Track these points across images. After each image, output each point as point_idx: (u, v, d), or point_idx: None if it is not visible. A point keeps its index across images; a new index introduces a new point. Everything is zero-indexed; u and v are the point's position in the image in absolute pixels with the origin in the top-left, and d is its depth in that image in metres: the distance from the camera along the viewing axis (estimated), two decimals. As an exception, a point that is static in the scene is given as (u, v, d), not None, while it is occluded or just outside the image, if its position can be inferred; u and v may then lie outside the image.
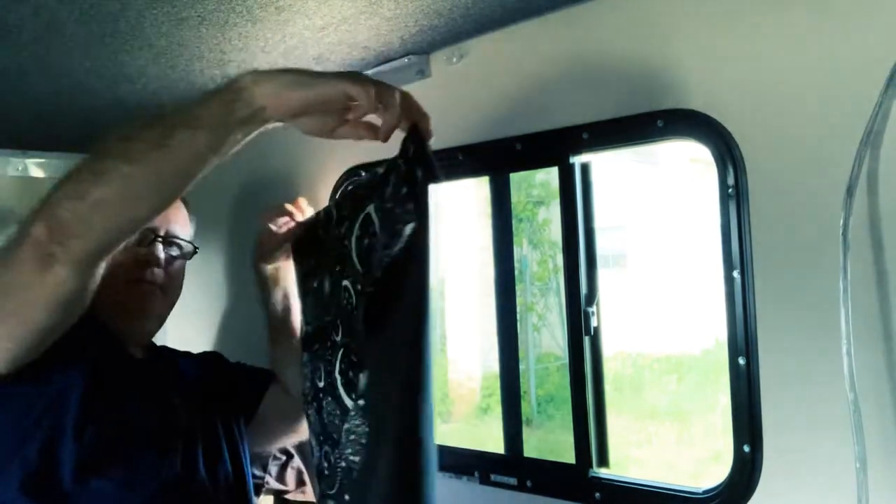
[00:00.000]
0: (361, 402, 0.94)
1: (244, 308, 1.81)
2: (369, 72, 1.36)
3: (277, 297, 1.37)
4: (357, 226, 1.01)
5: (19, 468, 0.91)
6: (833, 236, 0.86)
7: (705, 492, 1.07)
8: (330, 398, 1.07)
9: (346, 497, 0.99)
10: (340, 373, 1.05)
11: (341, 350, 1.06)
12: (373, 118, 0.87)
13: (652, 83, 1.05)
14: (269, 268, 1.34)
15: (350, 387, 1.03)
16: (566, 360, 1.34)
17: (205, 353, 1.38)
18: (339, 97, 0.85)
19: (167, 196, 0.87)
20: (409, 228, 0.85)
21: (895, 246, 0.86)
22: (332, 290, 1.08)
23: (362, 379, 0.95)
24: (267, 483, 1.71)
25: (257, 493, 1.65)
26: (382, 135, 0.87)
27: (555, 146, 1.22)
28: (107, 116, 1.48)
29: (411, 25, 1.18)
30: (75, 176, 0.82)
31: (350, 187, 1.13)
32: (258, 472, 1.71)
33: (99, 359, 1.01)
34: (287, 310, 1.39)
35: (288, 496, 1.74)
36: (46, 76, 1.23)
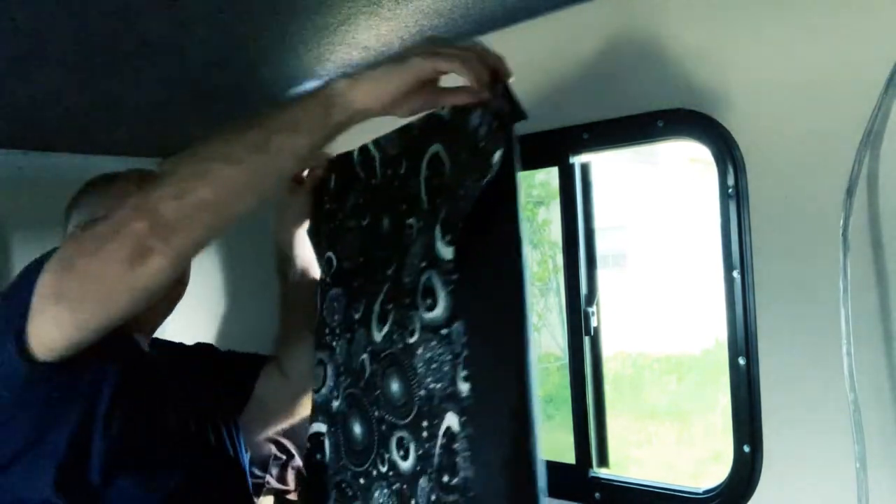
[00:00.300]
0: (444, 331, 0.99)
1: (242, 301, 1.81)
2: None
3: (297, 268, 1.35)
4: (424, 166, 1.06)
5: (52, 463, 0.92)
6: (833, 236, 0.86)
7: (705, 492, 1.07)
8: (363, 329, 1.16)
9: (425, 423, 1.03)
10: (380, 303, 1.13)
11: (388, 283, 1.12)
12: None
13: (652, 83, 1.05)
14: (293, 227, 1.30)
15: (382, 316, 1.11)
16: (566, 361, 1.34)
17: (197, 345, 1.37)
18: (431, 76, 0.89)
19: (264, 194, 0.92)
20: (497, 155, 0.88)
21: (895, 246, 0.86)
22: (394, 228, 1.13)
23: (440, 311, 1.00)
24: (267, 483, 1.71)
25: (257, 494, 1.65)
26: (485, 91, 0.91)
27: (555, 146, 1.22)
28: (104, 116, 1.48)
29: (411, 25, 1.18)
30: (177, 175, 0.86)
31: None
32: (258, 472, 1.71)
33: (126, 352, 1.02)
34: (305, 283, 1.38)
35: (288, 496, 1.74)
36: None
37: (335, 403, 1.22)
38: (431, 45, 0.91)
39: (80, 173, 1.72)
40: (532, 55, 1.19)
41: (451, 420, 0.97)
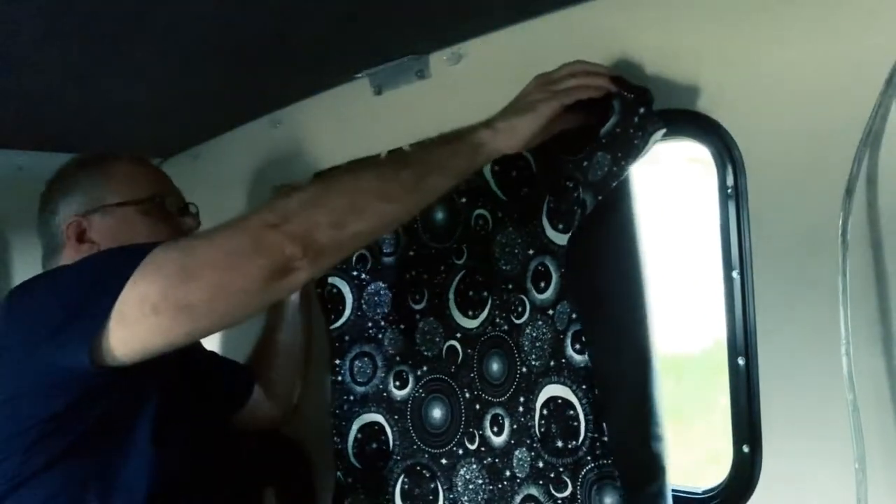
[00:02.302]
0: (551, 311, 1.07)
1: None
2: (369, 72, 1.36)
3: None
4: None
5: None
6: (833, 236, 0.86)
7: (705, 492, 1.07)
8: (432, 318, 1.25)
9: (521, 399, 1.11)
10: (456, 292, 1.22)
11: (462, 272, 1.22)
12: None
13: (652, 83, 1.04)
14: None
15: (469, 304, 1.20)
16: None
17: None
18: (557, 114, 0.99)
19: (403, 223, 1.03)
20: (659, 134, 0.95)
21: (895, 246, 0.86)
22: (452, 221, 1.23)
23: (550, 292, 1.08)
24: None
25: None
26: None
27: (554, 146, 1.21)
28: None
29: (411, 25, 1.18)
30: (330, 206, 0.90)
31: None
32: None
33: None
34: (294, 302, 1.40)
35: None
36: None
37: (397, 392, 1.30)
38: (546, 84, 1.00)
39: (79, 173, 1.71)
40: (532, 55, 1.19)
41: (558, 391, 1.04)
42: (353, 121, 1.44)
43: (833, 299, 0.85)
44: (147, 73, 1.26)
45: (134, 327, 0.84)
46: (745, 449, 1.00)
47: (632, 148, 0.97)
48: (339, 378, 1.37)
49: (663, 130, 0.95)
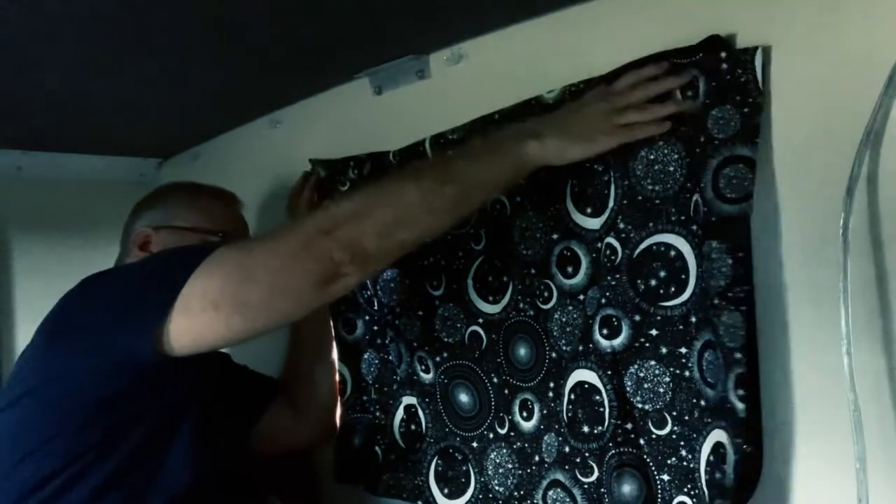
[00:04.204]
0: (581, 296, 1.07)
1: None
2: (369, 72, 1.36)
3: None
4: None
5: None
6: (833, 236, 0.86)
7: (705, 492, 1.07)
8: (452, 304, 1.26)
9: (551, 384, 1.12)
10: (475, 278, 1.23)
11: (481, 257, 1.22)
12: None
13: (652, 83, 1.04)
14: None
15: (489, 289, 1.21)
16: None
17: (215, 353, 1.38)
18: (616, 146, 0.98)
19: (445, 232, 1.02)
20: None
21: (895, 246, 0.86)
22: None
23: (581, 277, 1.07)
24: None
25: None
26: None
27: (555, 146, 1.21)
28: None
29: (411, 26, 1.18)
30: (377, 216, 0.92)
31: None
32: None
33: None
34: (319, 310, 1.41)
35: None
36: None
37: (425, 376, 1.31)
38: (611, 114, 0.98)
39: (80, 173, 1.72)
40: (532, 55, 1.19)
41: (586, 376, 1.04)
42: (353, 121, 1.44)
43: (834, 299, 0.85)
44: (147, 73, 1.26)
45: (195, 319, 0.88)
46: (746, 449, 1.00)
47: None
48: (389, 357, 1.38)
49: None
